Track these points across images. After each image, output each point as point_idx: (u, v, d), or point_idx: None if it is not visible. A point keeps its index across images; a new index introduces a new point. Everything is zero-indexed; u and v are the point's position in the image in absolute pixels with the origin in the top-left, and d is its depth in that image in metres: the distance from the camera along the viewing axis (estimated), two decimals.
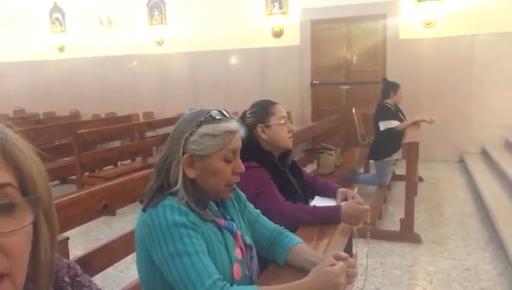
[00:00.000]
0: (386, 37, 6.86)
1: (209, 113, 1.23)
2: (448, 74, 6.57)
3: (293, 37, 7.34)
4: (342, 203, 1.78)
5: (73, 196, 1.74)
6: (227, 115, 1.26)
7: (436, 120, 5.08)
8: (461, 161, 6.49)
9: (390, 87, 4.83)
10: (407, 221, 3.67)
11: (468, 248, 3.46)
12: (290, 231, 1.45)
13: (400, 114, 4.92)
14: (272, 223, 1.45)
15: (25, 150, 0.57)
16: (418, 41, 6.69)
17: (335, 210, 1.71)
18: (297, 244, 1.36)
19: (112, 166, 5.57)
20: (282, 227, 1.44)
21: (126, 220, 4.21)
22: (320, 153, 4.26)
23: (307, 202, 1.92)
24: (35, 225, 0.56)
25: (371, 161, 5.11)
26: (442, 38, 6.55)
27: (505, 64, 6.30)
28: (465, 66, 6.50)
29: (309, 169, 4.49)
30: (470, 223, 4.04)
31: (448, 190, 5.23)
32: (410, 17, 6.67)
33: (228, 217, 1.31)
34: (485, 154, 6.21)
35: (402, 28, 6.74)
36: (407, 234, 3.65)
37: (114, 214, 4.38)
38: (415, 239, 3.61)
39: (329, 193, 2.00)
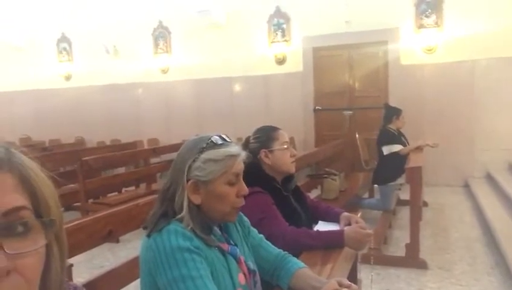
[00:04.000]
0: (388, 63, 6.95)
1: (210, 139, 1.25)
2: (450, 98, 6.62)
3: (295, 64, 7.45)
4: (345, 228, 1.78)
5: (78, 222, 1.76)
6: (228, 140, 1.29)
7: (439, 144, 5.10)
8: (466, 185, 6.47)
9: (393, 112, 4.87)
10: (413, 246, 3.64)
11: (475, 273, 3.42)
12: (294, 256, 1.46)
13: (403, 139, 4.95)
14: (276, 248, 1.46)
15: (39, 175, 0.60)
16: (419, 67, 6.77)
17: (338, 234, 1.72)
18: (301, 269, 1.36)
19: (116, 193, 5.59)
20: (286, 252, 1.45)
21: (130, 247, 4.19)
22: (324, 178, 4.26)
23: (311, 227, 1.93)
24: (48, 246, 0.58)
25: (375, 186, 5.11)
26: (442, 64, 6.63)
27: (506, 88, 6.35)
28: (466, 91, 6.56)
29: (313, 194, 4.47)
30: (476, 248, 4.00)
31: (454, 215, 5.19)
32: (411, 44, 6.78)
33: (231, 242, 1.32)
34: (489, 178, 6.19)
35: (403, 54, 6.83)
36: (413, 259, 3.61)
37: (118, 241, 4.37)
38: (421, 265, 3.57)
39: (333, 218, 2.00)
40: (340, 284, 1.17)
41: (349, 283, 1.19)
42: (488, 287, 3.16)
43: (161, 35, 8.32)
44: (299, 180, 4.59)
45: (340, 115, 7.28)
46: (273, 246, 1.46)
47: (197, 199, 1.23)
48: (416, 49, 6.77)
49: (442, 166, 6.49)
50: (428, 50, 6.70)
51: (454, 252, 3.93)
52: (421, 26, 6.68)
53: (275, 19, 7.49)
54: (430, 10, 6.61)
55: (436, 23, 6.59)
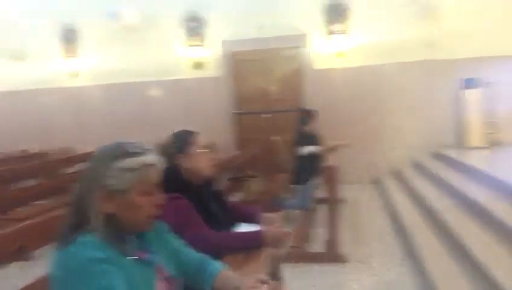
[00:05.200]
0: (301, 67, 7.23)
1: (126, 146, 1.21)
2: (360, 100, 7.04)
3: (214, 68, 7.47)
4: (265, 228, 1.82)
5: None
6: (145, 147, 1.25)
7: (352, 144, 5.39)
8: (377, 181, 6.89)
9: (307, 115, 5.06)
10: (332, 242, 3.81)
11: (389, 264, 3.66)
12: (215, 259, 1.46)
13: (318, 139, 5.15)
14: (196, 252, 1.45)
15: None
16: (330, 71, 7.11)
17: (258, 235, 1.75)
18: (222, 271, 1.37)
19: (26, 206, 5.19)
20: (207, 255, 1.45)
21: (44, 264, 3.90)
22: (246, 181, 4.33)
23: (231, 230, 1.94)
24: None
25: (295, 186, 5.26)
26: (352, 68, 7.04)
27: (409, 90, 6.90)
28: (374, 93, 7.01)
29: (235, 197, 4.52)
30: (388, 240, 4.28)
31: (368, 210, 5.51)
32: (322, 49, 7.11)
33: (149, 250, 1.29)
34: (397, 174, 6.66)
35: (315, 59, 7.15)
36: (333, 254, 3.78)
37: (29, 259, 4.05)
38: (341, 259, 3.75)
39: (253, 219, 2.03)
40: (259, 281, 1.19)
41: (268, 279, 1.22)
42: (400, 276, 3.39)
43: (69, 39, 7.89)
44: (221, 184, 4.61)
45: (259, 118, 7.42)
46: (193, 251, 1.45)
47: (110, 208, 1.18)
48: (327, 54, 7.12)
49: (356, 164, 6.85)
50: (338, 55, 7.07)
51: (369, 245, 4.18)
52: (330, 33, 7.03)
53: (191, 23, 7.44)
54: (338, 17, 6.97)
55: (344, 30, 6.97)
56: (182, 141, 1.95)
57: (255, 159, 5.70)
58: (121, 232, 1.21)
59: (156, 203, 1.24)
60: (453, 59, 6.63)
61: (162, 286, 1.23)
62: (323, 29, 7.08)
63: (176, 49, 7.54)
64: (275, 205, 4.48)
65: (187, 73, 7.55)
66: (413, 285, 3.22)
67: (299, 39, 7.16)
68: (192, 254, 1.44)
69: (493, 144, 6.30)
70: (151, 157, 1.23)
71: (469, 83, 6.26)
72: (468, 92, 6.23)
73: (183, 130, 2.02)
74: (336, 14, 6.98)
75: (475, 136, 6.24)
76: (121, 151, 1.19)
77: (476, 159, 5.49)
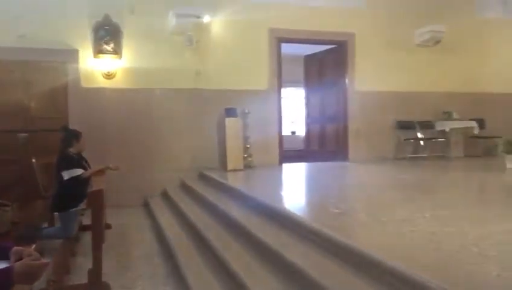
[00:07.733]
0: (68, 84, 6.79)
1: None
2: (131, 123, 7.02)
3: None
4: (15, 264, 1.61)
5: None
6: None
7: (120, 167, 5.30)
8: (146, 204, 6.93)
9: (72, 135, 4.75)
10: (95, 271, 3.60)
11: (154, 285, 3.69)
12: None
13: (84, 162, 4.90)
14: None
15: None
16: (100, 90, 6.89)
17: (5, 272, 1.53)
18: None
19: None
20: None
21: None
22: None
23: None
24: None
25: (56, 214, 4.83)
26: (122, 90, 6.98)
27: (180, 114, 7.27)
28: (145, 116, 7.11)
29: None
30: (155, 262, 4.32)
31: (136, 234, 5.46)
32: (91, 67, 6.85)
33: None
34: (165, 195, 6.85)
35: (84, 77, 6.83)
36: (95, 284, 3.57)
37: None
38: (104, 288, 3.58)
39: (1, 255, 1.77)
40: None
41: None
42: None
43: None
44: None
45: (13, 137, 6.56)
46: None
47: None
48: (97, 73, 6.89)
49: (125, 187, 6.74)
50: (108, 75, 6.92)
51: (136, 269, 4.13)
52: (100, 52, 6.82)
53: None
54: (108, 37, 6.83)
55: (115, 50, 6.87)
56: None
57: (8, 184, 5.02)
58: None
59: None
60: (219, 89, 7.35)
61: None
62: (92, 47, 6.83)
63: None
64: (29, 236, 4.01)
65: None
66: None
67: (68, 54, 6.73)
68: None
69: (248, 166, 7.16)
70: None
71: (229, 112, 6.97)
72: (228, 120, 6.92)
73: None
74: (107, 33, 6.82)
75: (234, 160, 6.95)
76: None
77: (233, 180, 6.12)
